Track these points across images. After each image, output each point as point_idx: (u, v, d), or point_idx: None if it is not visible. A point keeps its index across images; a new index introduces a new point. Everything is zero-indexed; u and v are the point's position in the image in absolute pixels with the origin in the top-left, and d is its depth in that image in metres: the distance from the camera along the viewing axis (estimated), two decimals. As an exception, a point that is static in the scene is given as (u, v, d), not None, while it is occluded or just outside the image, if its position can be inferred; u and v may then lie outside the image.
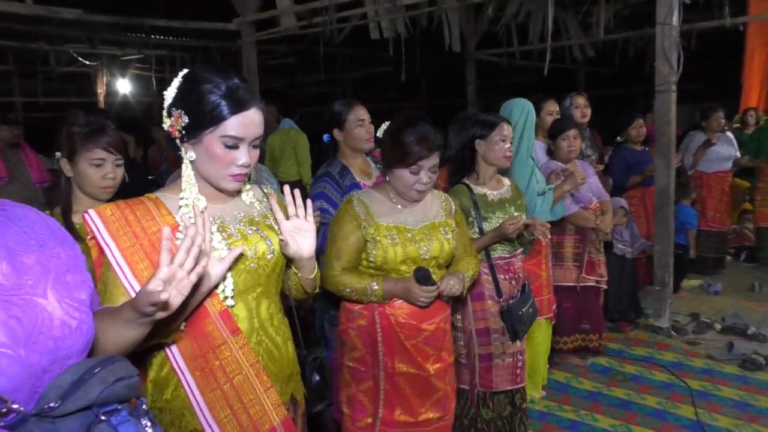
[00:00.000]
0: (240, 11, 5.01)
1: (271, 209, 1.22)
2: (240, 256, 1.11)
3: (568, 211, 2.82)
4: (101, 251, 1.06)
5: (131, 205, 1.10)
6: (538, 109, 2.80)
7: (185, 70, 1.12)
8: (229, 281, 1.12)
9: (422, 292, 1.57)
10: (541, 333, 2.67)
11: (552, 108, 3.14)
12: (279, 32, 5.17)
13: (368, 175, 2.23)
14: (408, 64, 5.48)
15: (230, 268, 1.10)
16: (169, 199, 1.14)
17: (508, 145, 2.10)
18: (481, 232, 2.07)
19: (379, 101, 9.44)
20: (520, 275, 2.19)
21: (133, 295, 1.02)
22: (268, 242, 1.19)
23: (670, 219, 3.46)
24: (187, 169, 1.13)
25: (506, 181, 2.24)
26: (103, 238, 1.06)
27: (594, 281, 2.97)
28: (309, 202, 1.22)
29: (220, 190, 1.16)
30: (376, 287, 1.60)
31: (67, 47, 7.51)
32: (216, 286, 1.10)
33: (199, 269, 0.93)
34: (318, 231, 1.41)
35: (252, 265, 1.15)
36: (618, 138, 4.05)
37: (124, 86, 8.90)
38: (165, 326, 0.99)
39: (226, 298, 1.12)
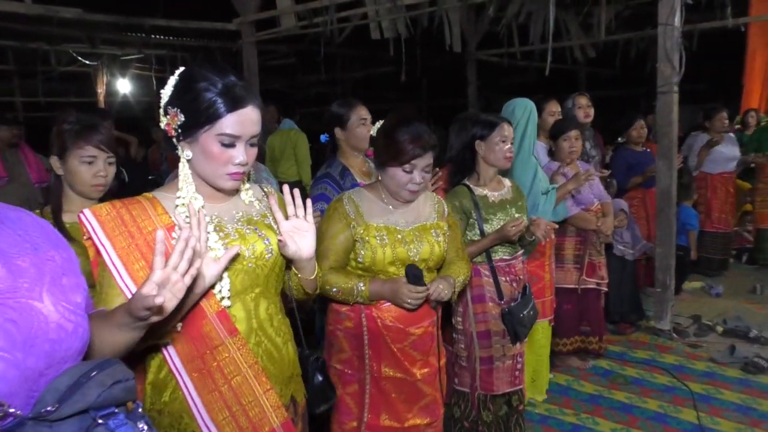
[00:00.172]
0: (240, 11, 5.00)
1: (271, 209, 1.21)
2: (237, 256, 1.10)
3: (569, 213, 2.81)
4: (98, 252, 1.05)
5: (127, 205, 1.09)
6: (540, 110, 2.79)
7: (182, 68, 1.11)
8: (226, 281, 1.10)
9: (410, 293, 1.54)
10: (544, 335, 2.66)
11: (554, 108, 3.13)
12: (279, 32, 5.16)
13: (368, 175, 2.22)
14: (409, 65, 5.47)
15: (227, 268, 1.09)
16: (165, 198, 1.13)
17: (509, 145, 2.08)
18: (482, 233, 2.06)
19: (380, 101, 9.45)
20: (521, 277, 2.17)
21: (129, 295, 1.01)
22: (267, 242, 1.17)
23: (672, 221, 3.45)
24: (183, 168, 1.12)
25: (507, 182, 2.22)
26: (98, 239, 1.04)
27: (594, 283, 2.96)
28: (309, 201, 1.21)
29: (218, 189, 1.15)
30: (362, 288, 1.57)
31: (68, 47, 7.51)
32: (212, 287, 1.09)
33: (193, 271, 0.92)
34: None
35: (250, 264, 1.14)
36: (619, 139, 4.04)
37: (124, 86, 8.90)
38: (160, 327, 0.98)
39: (222, 298, 1.11)
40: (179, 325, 1.07)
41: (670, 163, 3.39)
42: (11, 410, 0.64)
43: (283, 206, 1.20)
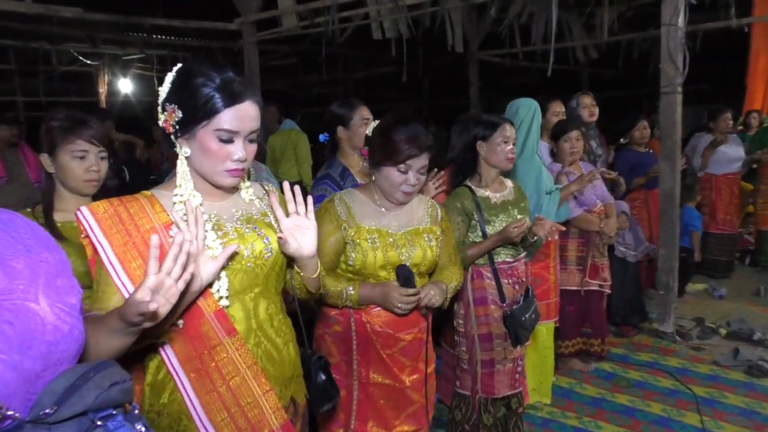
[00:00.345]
0: (241, 11, 5.00)
1: (271, 207, 1.19)
2: (235, 255, 1.08)
3: (572, 214, 2.79)
4: (95, 250, 1.04)
5: (125, 202, 1.08)
6: (543, 110, 2.77)
7: (179, 65, 1.10)
8: (224, 281, 1.09)
9: (401, 297, 1.50)
10: (549, 337, 2.64)
11: (558, 109, 3.11)
12: (280, 32, 5.15)
13: (369, 176, 2.20)
14: (410, 65, 5.46)
15: (225, 267, 1.07)
16: (163, 195, 1.12)
17: (510, 146, 2.06)
18: (484, 235, 2.04)
19: (382, 102, 9.46)
20: (524, 279, 2.15)
21: (126, 294, 1.00)
22: (266, 241, 1.16)
23: (675, 222, 3.43)
24: (182, 165, 1.11)
25: (509, 183, 2.20)
26: (95, 237, 1.03)
27: (597, 285, 2.94)
28: (310, 198, 1.19)
29: (217, 187, 1.13)
30: (351, 292, 1.54)
31: (69, 46, 7.51)
32: (210, 286, 1.07)
33: (186, 276, 0.91)
34: None
35: (248, 264, 1.13)
36: (621, 140, 4.02)
37: (125, 86, 8.91)
38: (155, 328, 0.97)
39: (221, 297, 1.09)
40: (180, 322, 1.06)
41: (673, 164, 3.37)
42: (9, 413, 0.63)
43: (284, 203, 1.19)
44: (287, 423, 1.17)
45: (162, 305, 0.89)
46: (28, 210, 1.52)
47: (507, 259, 2.10)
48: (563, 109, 3.14)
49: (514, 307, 2.02)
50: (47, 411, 0.66)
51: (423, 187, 2.13)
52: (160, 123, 1.09)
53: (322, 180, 2.14)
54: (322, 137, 2.26)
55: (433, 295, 1.54)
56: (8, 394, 0.64)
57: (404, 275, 1.52)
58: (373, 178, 1.62)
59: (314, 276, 1.25)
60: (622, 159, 3.83)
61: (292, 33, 5.25)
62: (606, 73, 9.26)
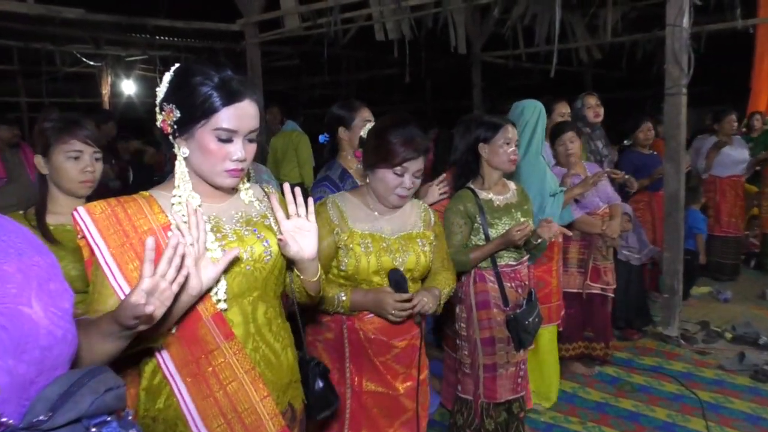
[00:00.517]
0: (244, 12, 5.00)
1: (272, 209, 1.18)
2: (235, 259, 1.06)
3: (573, 217, 2.77)
4: (92, 251, 1.02)
5: (122, 203, 1.06)
6: (549, 111, 2.75)
7: (177, 65, 1.08)
8: (222, 284, 1.07)
9: (395, 303, 1.47)
10: (551, 341, 2.61)
11: (563, 110, 3.10)
12: (283, 33, 5.15)
13: (362, 178, 2.18)
14: (413, 66, 5.45)
15: (224, 271, 1.06)
16: (162, 196, 1.10)
17: (513, 148, 2.03)
18: (487, 238, 2.01)
19: (384, 103, 9.45)
20: (527, 282, 2.13)
21: (122, 296, 0.99)
22: (265, 244, 1.14)
23: (680, 225, 3.40)
24: (180, 166, 1.09)
25: (512, 185, 2.18)
26: (92, 237, 1.01)
27: (599, 289, 2.91)
28: (310, 200, 1.18)
29: (216, 187, 1.11)
30: (343, 298, 1.51)
31: (72, 48, 7.52)
32: (209, 289, 1.05)
33: (180, 279, 0.91)
34: None
35: (248, 267, 1.11)
36: (625, 141, 4.00)
37: (128, 87, 8.92)
38: (150, 331, 0.96)
39: (218, 301, 1.07)
40: (174, 328, 1.04)
41: (677, 166, 3.34)
42: (3, 419, 0.62)
43: (284, 205, 1.17)
44: (284, 429, 1.15)
45: (157, 308, 0.88)
46: (21, 213, 1.51)
47: (510, 262, 2.08)
48: (569, 110, 3.13)
49: (517, 310, 2.00)
50: (41, 418, 0.65)
51: (428, 191, 2.11)
52: (158, 123, 1.08)
53: (321, 182, 2.12)
54: (321, 138, 2.23)
55: (426, 302, 1.52)
56: (2, 400, 0.63)
57: (396, 279, 1.49)
58: (367, 180, 1.60)
59: (314, 279, 1.23)
60: (626, 160, 3.81)
61: (295, 34, 5.25)
62: (610, 75, 9.23)
